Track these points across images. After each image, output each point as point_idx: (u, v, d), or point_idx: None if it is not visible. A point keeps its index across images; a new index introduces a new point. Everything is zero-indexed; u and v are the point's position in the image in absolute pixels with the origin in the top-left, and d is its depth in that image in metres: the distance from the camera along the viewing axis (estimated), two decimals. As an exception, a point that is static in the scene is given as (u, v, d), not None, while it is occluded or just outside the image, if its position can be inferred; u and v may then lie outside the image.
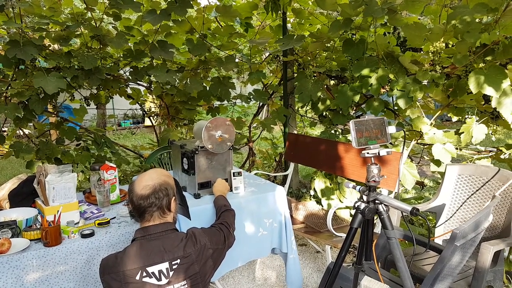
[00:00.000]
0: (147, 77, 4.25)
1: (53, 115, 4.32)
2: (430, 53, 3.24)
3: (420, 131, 3.48)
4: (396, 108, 3.92)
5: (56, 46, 4.10)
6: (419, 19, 4.25)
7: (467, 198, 2.78)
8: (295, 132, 4.87)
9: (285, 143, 4.53)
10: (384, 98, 3.88)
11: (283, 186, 3.39)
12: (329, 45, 4.13)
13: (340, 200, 3.97)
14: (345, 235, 2.30)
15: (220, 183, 2.51)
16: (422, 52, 3.72)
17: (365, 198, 1.93)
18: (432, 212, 2.92)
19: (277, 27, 4.51)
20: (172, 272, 1.71)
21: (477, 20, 2.97)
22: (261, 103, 5.02)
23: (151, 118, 5.30)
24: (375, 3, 3.11)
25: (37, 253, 1.89)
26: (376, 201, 1.91)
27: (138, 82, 4.43)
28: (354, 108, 4.31)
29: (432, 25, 3.80)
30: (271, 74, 5.31)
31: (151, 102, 5.45)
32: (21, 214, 2.20)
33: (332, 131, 4.31)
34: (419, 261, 2.59)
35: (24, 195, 2.39)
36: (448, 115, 3.75)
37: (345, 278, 2.18)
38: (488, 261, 2.21)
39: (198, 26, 4.02)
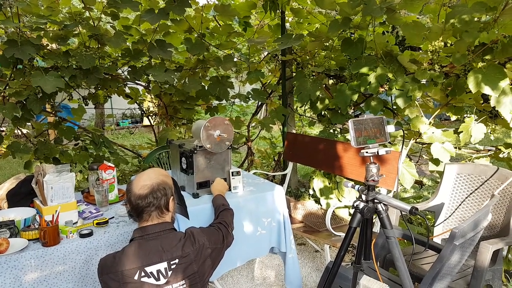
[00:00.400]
0: (145, 76, 4.24)
1: (51, 115, 4.31)
2: (429, 52, 3.24)
3: (419, 130, 3.48)
4: (395, 107, 3.92)
5: (54, 46, 4.09)
6: (417, 18, 4.25)
7: (466, 197, 2.78)
8: (294, 131, 4.87)
9: (283, 143, 4.53)
10: (383, 97, 3.88)
11: (282, 186, 3.39)
12: (327, 44, 4.13)
13: (339, 200, 3.97)
14: (344, 234, 2.30)
15: (219, 183, 2.51)
16: (421, 51, 3.72)
17: (364, 197, 1.92)
18: (431, 211, 2.92)
19: (276, 26, 4.51)
20: (171, 272, 1.71)
21: (476, 19, 2.96)
22: (259, 103, 5.02)
23: (149, 117, 5.29)
24: (374, 2, 3.11)
25: (36, 253, 1.89)
26: (375, 200, 1.91)
27: (137, 81, 4.43)
28: (353, 107, 4.31)
29: (431, 24, 3.79)
30: (270, 74, 5.31)
31: (149, 101, 5.44)
32: (19, 214, 2.19)
33: (331, 131, 4.31)
34: (418, 260, 2.59)
35: (22, 195, 2.39)
36: (447, 114, 3.76)
37: (344, 278, 2.18)
38: (487, 260, 2.21)
39: (197, 25, 4.02)
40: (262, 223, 2.60)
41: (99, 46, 3.81)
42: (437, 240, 2.81)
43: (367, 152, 1.90)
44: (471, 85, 2.86)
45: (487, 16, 3.09)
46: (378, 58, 3.49)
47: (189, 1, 3.51)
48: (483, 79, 2.82)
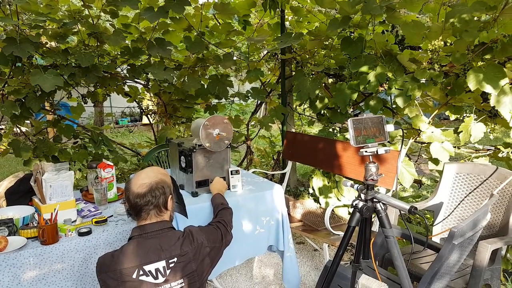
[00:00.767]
0: (144, 74, 4.24)
1: (50, 113, 4.30)
2: (428, 51, 3.24)
3: (418, 130, 3.48)
4: (394, 106, 3.91)
5: (53, 44, 4.08)
6: (417, 17, 4.24)
7: (465, 197, 2.78)
8: (293, 130, 4.87)
9: (283, 141, 4.53)
10: (382, 97, 3.88)
11: (281, 185, 3.38)
12: (327, 43, 4.12)
13: (338, 199, 3.97)
14: (342, 233, 2.30)
15: (218, 182, 2.51)
16: (420, 50, 3.72)
17: (363, 196, 1.92)
18: (429, 211, 2.92)
19: (275, 25, 4.50)
20: (169, 270, 1.70)
21: (475, 18, 2.96)
22: (259, 101, 5.01)
23: (148, 116, 5.28)
24: (374, 1, 3.10)
25: (34, 251, 1.89)
26: (374, 200, 1.91)
27: (136, 80, 4.42)
28: (352, 106, 4.31)
29: (430, 23, 3.79)
30: (269, 72, 5.30)
31: (148, 100, 5.43)
32: (18, 212, 2.19)
33: (330, 130, 4.30)
34: (416, 260, 2.59)
35: (21, 193, 2.38)
36: (446, 113, 3.75)
37: (343, 277, 2.18)
38: (485, 259, 2.21)
39: (196, 24, 4.01)
40: (261, 222, 2.60)
41: (98, 44, 3.80)
42: (436, 239, 2.81)
43: (366, 151, 1.89)
44: (471, 84, 2.86)
45: (487, 16, 3.08)
46: (378, 57, 3.48)
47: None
48: (482, 79, 2.82)
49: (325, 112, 4.38)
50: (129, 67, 4.00)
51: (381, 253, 2.62)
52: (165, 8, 3.42)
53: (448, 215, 2.83)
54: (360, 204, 1.91)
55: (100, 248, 2.05)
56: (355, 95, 3.64)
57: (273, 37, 4.43)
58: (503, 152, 3.59)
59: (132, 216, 1.81)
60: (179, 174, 2.70)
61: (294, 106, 4.93)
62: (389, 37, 3.76)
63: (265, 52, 5.06)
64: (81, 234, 2.02)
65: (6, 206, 2.34)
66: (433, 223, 2.89)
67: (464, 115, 3.58)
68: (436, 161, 3.41)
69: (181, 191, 2.52)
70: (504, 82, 2.77)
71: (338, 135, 4.28)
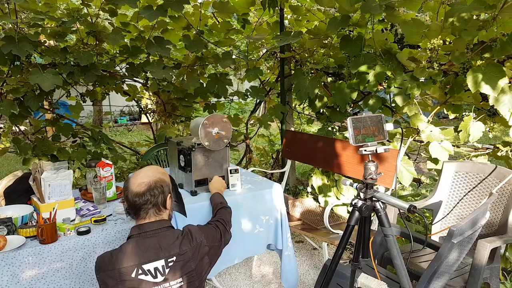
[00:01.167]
0: (143, 73, 4.23)
1: (49, 112, 4.30)
2: (427, 50, 3.24)
3: (417, 129, 3.48)
4: (393, 105, 3.91)
5: (51, 42, 4.07)
6: (417, 16, 4.24)
7: (464, 195, 2.78)
8: (292, 129, 4.87)
9: (282, 140, 4.53)
10: (382, 95, 3.87)
11: (280, 183, 3.38)
12: (326, 42, 4.12)
13: (337, 197, 3.97)
14: (342, 232, 2.30)
15: (217, 181, 2.51)
16: (419, 49, 3.72)
17: (362, 195, 1.92)
18: (429, 209, 2.92)
19: (274, 24, 4.50)
20: (168, 269, 1.70)
21: (475, 17, 2.96)
22: (258, 100, 5.01)
23: (147, 115, 5.28)
24: (373, 0, 3.10)
25: (33, 250, 1.88)
26: (374, 199, 1.91)
27: (135, 78, 4.41)
28: (352, 105, 4.30)
29: (430, 22, 3.79)
30: (268, 71, 5.30)
31: (147, 98, 5.42)
32: (17, 211, 2.18)
33: (330, 128, 4.30)
34: (416, 258, 2.60)
35: (20, 192, 2.38)
36: (446, 112, 3.75)
37: (342, 275, 2.18)
38: (484, 258, 2.21)
39: (195, 22, 4.00)
40: (260, 221, 2.60)
41: (97, 43, 3.79)
42: (435, 238, 2.81)
43: (365, 150, 1.89)
44: (470, 83, 2.86)
45: (486, 14, 3.08)
46: (377, 56, 3.48)
47: (188, -2, 3.51)
48: (482, 78, 2.82)
49: (324, 111, 4.37)
50: (128, 66, 4.00)
51: (380, 252, 2.62)
52: (164, 6, 3.42)
53: (447, 214, 2.83)
54: (359, 203, 1.91)
55: (99, 247, 2.04)
56: (354, 94, 3.63)
57: (272, 36, 4.43)
58: (502, 151, 3.59)
59: (131, 215, 1.81)
60: (178, 173, 2.69)
61: (293, 105, 4.93)
62: (389, 36, 3.76)
63: (264, 50, 5.06)
64: (80, 233, 2.02)
65: (5, 205, 2.34)
66: (432, 222, 2.89)
67: (463, 114, 3.58)
68: (435, 161, 3.41)
69: (180, 190, 2.52)
70: (503, 82, 2.77)
71: (337, 134, 4.27)
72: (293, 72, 4.48)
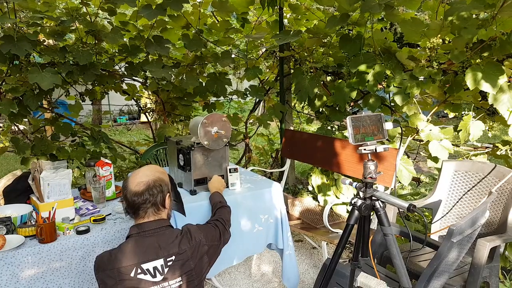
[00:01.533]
0: (142, 72, 4.22)
1: (48, 111, 4.29)
2: (427, 49, 3.23)
3: (417, 128, 3.48)
4: (392, 104, 3.91)
5: (50, 41, 4.06)
6: (416, 15, 4.24)
7: (464, 194, 2.78)
8: (292, 128, 4.87)
9: (281, 140, 4.53)
10: (381, 94, 3.87)
11: (280, 183, 3.38)
12: (325, 40, 4.11)
13: (337, 196, 3.97)
14: (341, 231, 2.30)
15: (216, 180, 2.50)
16: (419, 48, 3.71)
17: (361, 194, 1.92)
18: (428, 208, 2.92)
19: (274, 23, 4.49)
20: (167, 268, 1.70)
21: (474, 16, 2.96)
22: (257, 99, 5.01)
23: (147, 114, 5.27)
24: (372, -1, 3.09)
25: (32, 249, 1.88)
26: (373, 198, 1.91)
27: (134, 77, 4.41)
28: (351, 104, 4.30)
29: (429, 21, 3.78)
30: (268, 70, 5.29)
31: (146, 98, 5.42)
32: (16, 211, 2.18)
33: (329, 128, 4.30)
34: (415, 257, 2.60)
35: (19, 191, 2.38)
36: (445, 111, 3.75)
37: (342, 275, 2.18)
38: (484, 257, 2.21)
39: (194, 21, 4.00)
40: (259, 220, 2.60)
41: (96, 42, 3.78)
42: (434, 237, 2.81)
43: (365, 149, 1.89)
44: (469, 82, 2.86)
45: (486, 13, 3.08)
46: (376, 55, 3.48)
47: (187, -3, 3.50)
48: (481, 77, 2.82)
49: (324, 110, 4.37)
50: (127, 65, 3.99)
51: (379, 251, 2.62)
52: (163, 5, 3.41)
53: (447, 213, 2.83)
54: (359, 202, 1.91)
55: (99, 246, 2.04)
56: (354, 93, 3.63)
57: (271, 35, 4.43)
58: (501, 150, 3.59)
59: (130, 215, 1.81)
60: (177, 172, 2.69)
61: (293, 104, 4.93)
62: (388, 35, 3.75)
63: (263, 50, 5.05)
64: (79, 233, 2.02)
65: (4, 204, 2.34)
66: (431, 221, 2.89)
67: (463, 113, 3.58)
68: (435, 159, 3.41)
69: (179, 189, 2.52)
70: (502, 80, 2.77)
71: (337, 133, 4.27)
72: (292, 71, 4.47)
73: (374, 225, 2.97)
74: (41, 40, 3.76)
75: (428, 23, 3.31)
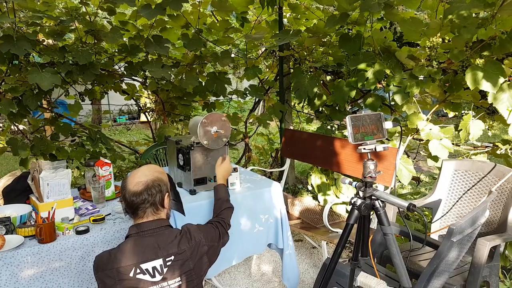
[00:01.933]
0: (142, 72, 4.22)
1: (47, 111, 4.29)
2: (426, 48, 3.23)
3: (416, 127, 3.47)
4: (392, 103, 3.91)
5: (50, 41, 4.06)
6: (415, 14, 4.24)
7: (463, 194, 2.78)
8: (291, 127, 4.86)
9: (281, 139, 4.52)
10: (381, 94, 3.87)
11: (279, 182, 3.38)
12: (325, 40, 4.11)
13: (337, 196, 3.97)
14: (341, 230, 2.30)
15: (224, 168, 2.40)
16: (418, 47, 3.71)
17: (361, 194, 1.92)
18: (428, 208, 2.92)
19: (273, 22, 4.49)
20: (166, 268, 1.70)
21: (474, 15, 2.95)
22: (257, 99, 5.00)
23: (146, 114, 5.27)
24: (372, -2, 3.09)
25: (32, 249, 1.88)
26: (373, 197, 1.90)
27: (133, 77, 4.40)
28: (351, 103, 4.30)
29: (429, 20, 3.78)
30: (267, 70, 5.29)
31: (146, 97, 5.42)
32: (15, 211, 2.18)
33: (329, 127, 4.30)
34: (415, 257, 2.59)
35: (18, 191, 2.38)
36: (445, 110, 3.75)
37: (341, 274, 2.18)
38: (484, 256, 2.21)
39: (194, 21, 3.99)
40: (259, 220, 2.59)
41: (96, 41, 3.78)
42: (434, 236, 2.81)
43: (364, 149, 1.89)
44: (469, 81, 2.85)
45: (485, 12, 3.07)
46: (376, 54, 3.47)
47: (186, -3, 3.49)
48: (481, 76, 2.81)
49: (324, 109, 4.37)
50: (126, 65, 3.99)
51: (379, 250, 2.62)
52: (163, 5, 3.41)
53: (447, 212, 2.83)
54: (359, 201, 1.91)
55: (98, 246, 2.04)
56: (353, 93, 3.63)
57: (271, 34, 4.42)
58: (501, 149, 3.59)
59: (129, 214, 1.81)
60: (177, 172, 2.69)
61: (293, 103, 4.92)
62: (387, 34, 3.75)
63: (263, 49, 5.05)
64: (78, 233, 2.01)
65: (4, 204, 2.33)
66: (431, 221, 2.89)
67: (463, 112, 3.57)
68: (435, 158, 3.41)
69: (179, 189, 2.52)
70: (502, 79, 2.77)
71: (337, 132, 4.27)
72: (292, 70, 4.47)
73: (374, 224, 2.97)
74: (41, 40, 3.75)
75: (427, 22, 3.31)
